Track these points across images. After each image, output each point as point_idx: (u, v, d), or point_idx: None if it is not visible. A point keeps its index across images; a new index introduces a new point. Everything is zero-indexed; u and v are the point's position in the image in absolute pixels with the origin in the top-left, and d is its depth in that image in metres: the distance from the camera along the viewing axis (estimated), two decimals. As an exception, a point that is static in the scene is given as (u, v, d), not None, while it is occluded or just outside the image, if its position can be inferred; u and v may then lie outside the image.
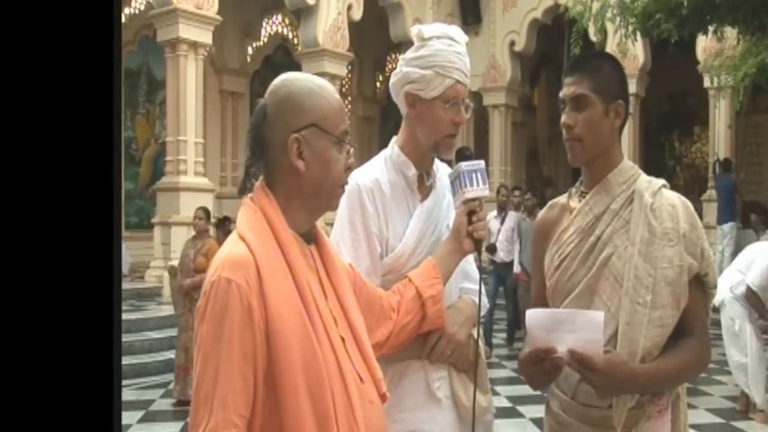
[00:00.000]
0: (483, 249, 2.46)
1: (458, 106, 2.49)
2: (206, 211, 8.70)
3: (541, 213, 2.57)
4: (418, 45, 2.52)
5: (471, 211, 2.41)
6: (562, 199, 2.51)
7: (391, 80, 2.58)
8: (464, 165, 2.43)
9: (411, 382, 2.48)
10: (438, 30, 2.52)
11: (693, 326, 2.26)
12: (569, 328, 2.11)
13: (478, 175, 2.42)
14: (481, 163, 2.46)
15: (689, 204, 2.33)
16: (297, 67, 13.89)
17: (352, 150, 1.98)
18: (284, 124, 1.88)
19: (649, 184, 2.32)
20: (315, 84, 1.94)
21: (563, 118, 2.33)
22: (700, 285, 2.31)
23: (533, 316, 2.19)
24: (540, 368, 2.20)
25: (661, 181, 2.35)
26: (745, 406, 7.68)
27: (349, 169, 1.98)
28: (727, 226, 14.56)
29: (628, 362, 2.14)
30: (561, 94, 2.35)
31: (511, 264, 11.39)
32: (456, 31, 2.56)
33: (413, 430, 2.46)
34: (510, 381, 8.60)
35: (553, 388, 2.37)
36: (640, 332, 2.18)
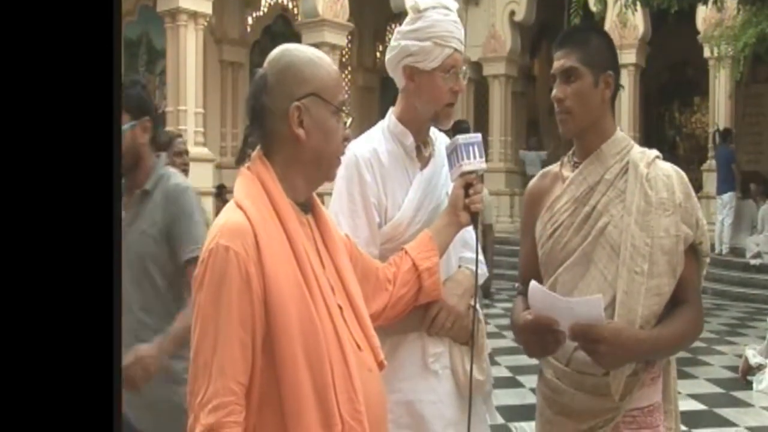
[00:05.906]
0: (479, 222, 2.49)
1: (457, 75, 2.51)
2: None
3: (533, 181, 2.59)
4: (413, 17, 2.52)
5: (468, 184, 2.43)
6: (554, 167, 2.53)
7: (387, 55, 2.58)
8: (461, 138, 2.45)
9: (408, 353, 2.49)
10: (433, 0, 2.53)
11: (688, 294, 2.30)
12: (568, 313, 2.14)
13: (475, 148, 2.44)
14: (478, 136, 2.47)
15: (683, 174, 2.36)
16: (297, 38, 13.82)
17: (349, 121, 2.00)
18: (285, 92, 1.89)
19: (643, 155, 2.34)
20: (314, 55, 1.97)
21: (553, 92, 2.35)
22: (695, 254, 2.34)
23: (535, 291, 2.21)
24: (540, 338, 2.23)
25: (655, 152, 2.37)
26: (745, 370, 7.72)
27: (346, 140, 2.00)
28: (727, 196, 14.54)
29: (630, 328, 2.17)
30: (552, 69, 2.37)
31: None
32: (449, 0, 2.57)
33: (410, 400, 2.47)
34: (510, 351, 8.62)
35: (547, 356, 2.40)
36: (638, 301, 2.20)
